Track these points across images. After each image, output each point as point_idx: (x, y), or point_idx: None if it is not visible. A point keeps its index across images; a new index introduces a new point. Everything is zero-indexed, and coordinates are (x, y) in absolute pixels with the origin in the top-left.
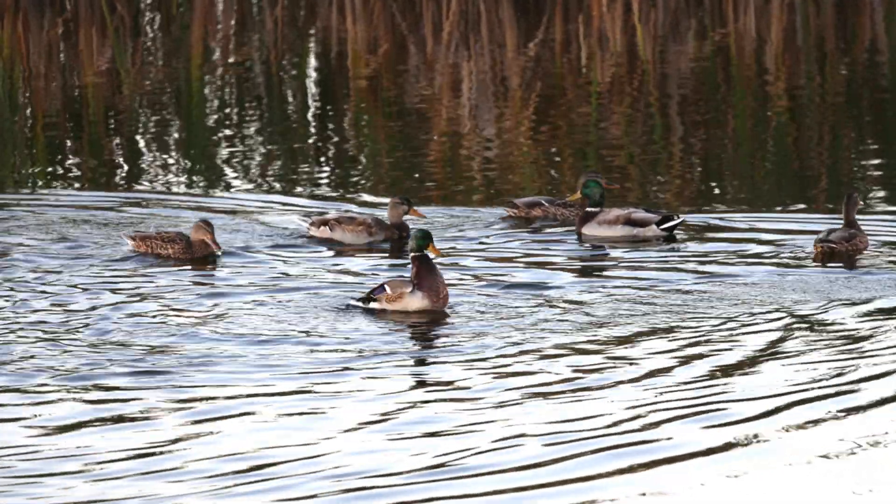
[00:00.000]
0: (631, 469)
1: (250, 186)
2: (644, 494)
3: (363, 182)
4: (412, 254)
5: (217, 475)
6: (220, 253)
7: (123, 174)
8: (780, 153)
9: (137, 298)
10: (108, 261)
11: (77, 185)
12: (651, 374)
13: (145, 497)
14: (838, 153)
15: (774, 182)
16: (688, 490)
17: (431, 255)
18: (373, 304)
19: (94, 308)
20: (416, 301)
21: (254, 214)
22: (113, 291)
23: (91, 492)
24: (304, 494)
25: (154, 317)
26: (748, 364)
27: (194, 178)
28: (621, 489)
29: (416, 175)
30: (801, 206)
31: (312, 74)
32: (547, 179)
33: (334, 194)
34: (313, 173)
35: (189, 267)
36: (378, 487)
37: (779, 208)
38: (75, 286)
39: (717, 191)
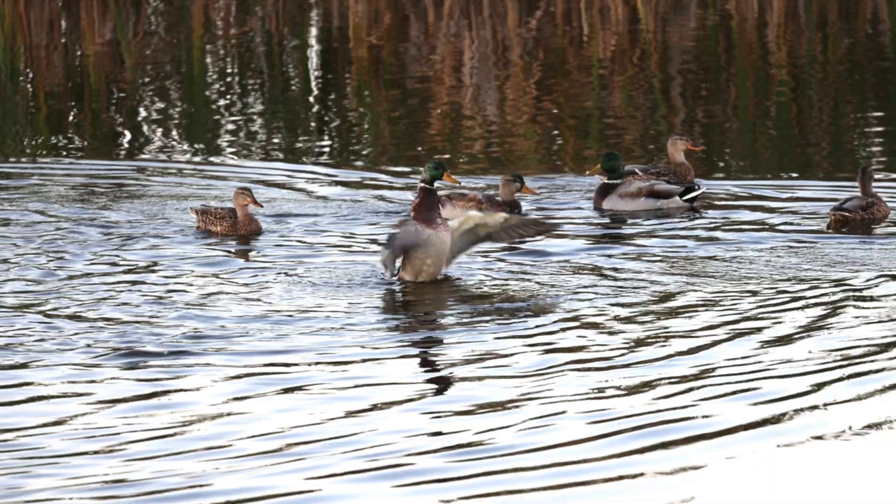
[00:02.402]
0: (670, 445)
1: (251, 157)
2: (686, 470)
3: (364, 154)
4: (421, 184)
5: (252, 454)
6: (259, 228)
7: (125, 145)
8: (783, 125)
9: (171, 274)
10: (140, 235)
11: (79, 155)
12: (690, 348)
13: (178, 475)
14: (841, 124)
15: (777, 153)
16: (732, 467)
17: (448, 183)
18: (395, 278)
19: (123, 283)
20: (421, 236)
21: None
22: (146, 266)
23: (121, 470)
24: (339, 472)
25: (186, 294)
26: (792, 338)
27: (195, 148)
28: (661, 465)
29: (419, 148)
30: (805, 176)
31: (314, 47)
32: (549, 151)
33: (336, 165)
34: (314, 144)
35: (233, 243)
36: (415, 465)
37: (785, 177)
38: (103, 261)
39: (719, 162)
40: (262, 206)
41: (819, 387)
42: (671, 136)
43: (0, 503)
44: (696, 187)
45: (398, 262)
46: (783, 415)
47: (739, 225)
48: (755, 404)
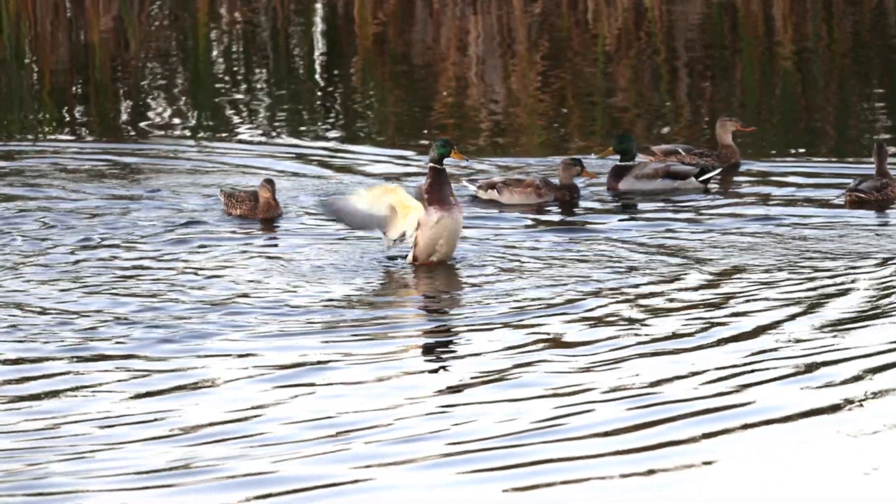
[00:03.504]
0: (720, 433)
1: (257, 140)
2: (733, 459)
3: (371, 134)
4: (430, 164)
5: (299, 441)
6: (280, 213)
7: (131, 126)
8: (788, 105)
9: (198, 259)
10: (157, 218)
11: (85, 136)
12: (725, 333)
13: (224, 461)
14: (846, 105)
15: (784, 132)
16: (783, 454)
17: (457, 161)
18: (406, 261)
19: (140, 268)
20: (433, 218)
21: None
22: (162, 250)
23: (165, 458)
24: (387, 461)
25: (214, 279)
26: (838, 323)
27: (202, 129)
28: (708, 454)
29: (425, 130)
30: (813, 154)
31: (319, 30)
32: (554, 133)
33: (343, 146)
34: (320, 127)
35: (252, 226)
36: (459, 453)
37: (793, 156)
38: (126, 246)
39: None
40: (279, 209)
41: (864, 375)
42: (720, 118)
43: (37, 493)
44: (712, 167)
45: (398, 233)
46: (825, 402)
47: (757, 204)
48: (803, 390)
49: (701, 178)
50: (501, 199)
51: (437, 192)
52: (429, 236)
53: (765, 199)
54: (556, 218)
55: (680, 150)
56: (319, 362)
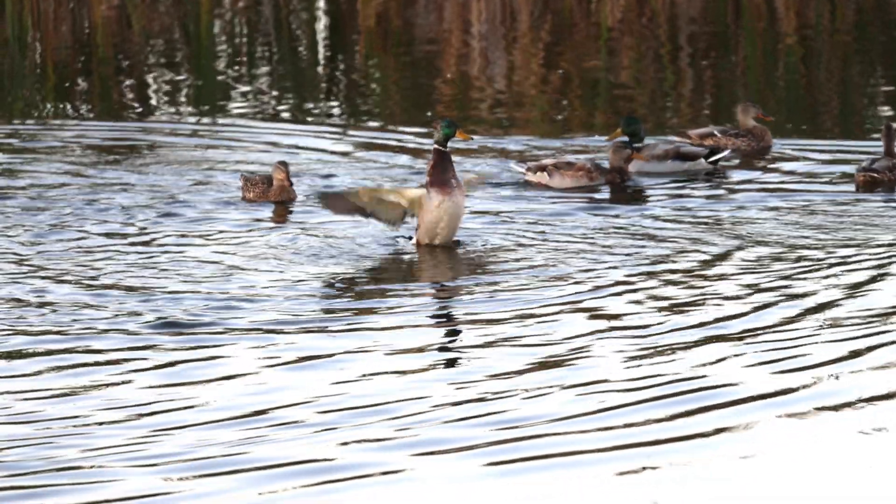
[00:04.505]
0: (769, 421)
1: (261, 119)
2: (774, 448)
3: (373, 120)
4: (434, 146)
5: (341, 427)
6: (294, 196)
7: (135, 109)
8: (791, 89)
9: (196, 242)
10: (167, 201)
11: (89, 118)
12: (724, 314)
13: (254, 442)
14: (851, 86)
15: (787, 115)
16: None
17: (461, 140)
18: (411, 243)
19: (150, 250)
20: (433, 201)
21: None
22: (173, 233)
23: (188, 446)
24: (417, 452)
25: (209, 261)
26: (879, 310)
27: (206, 112)
28: (731, 447)
29: (428, 113)
30: (816, 137)
31: (322, 11)
32: (557, 115)
33: (349, 129)
34: (323, 111)
35: (262, 210)
36: (495, 442)
37: (797, 138)
38: (133, 231)
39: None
40: (292, 186)
41: (862, 353)
42: (742, 102)
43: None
44: (721, 149)
45: (400, 219)
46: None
47: (767, 186)
48: (846, 377)
49: (710, 160)
50: (552, 182)
51: (439, 174)
52: (430, 219)
53: (785, 179)
54: (605, 200)
55: (716, 133)
56: (347, 351)
